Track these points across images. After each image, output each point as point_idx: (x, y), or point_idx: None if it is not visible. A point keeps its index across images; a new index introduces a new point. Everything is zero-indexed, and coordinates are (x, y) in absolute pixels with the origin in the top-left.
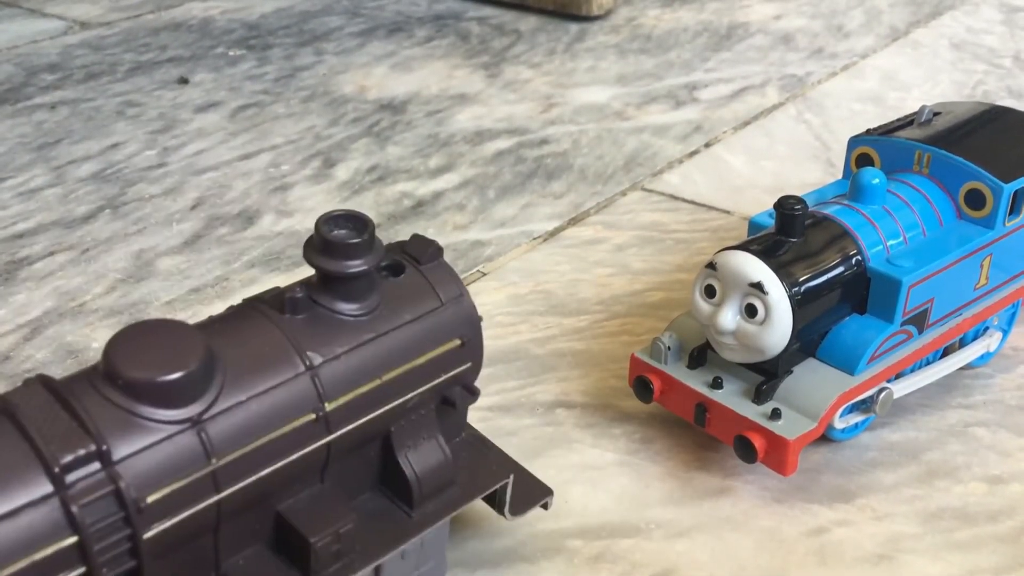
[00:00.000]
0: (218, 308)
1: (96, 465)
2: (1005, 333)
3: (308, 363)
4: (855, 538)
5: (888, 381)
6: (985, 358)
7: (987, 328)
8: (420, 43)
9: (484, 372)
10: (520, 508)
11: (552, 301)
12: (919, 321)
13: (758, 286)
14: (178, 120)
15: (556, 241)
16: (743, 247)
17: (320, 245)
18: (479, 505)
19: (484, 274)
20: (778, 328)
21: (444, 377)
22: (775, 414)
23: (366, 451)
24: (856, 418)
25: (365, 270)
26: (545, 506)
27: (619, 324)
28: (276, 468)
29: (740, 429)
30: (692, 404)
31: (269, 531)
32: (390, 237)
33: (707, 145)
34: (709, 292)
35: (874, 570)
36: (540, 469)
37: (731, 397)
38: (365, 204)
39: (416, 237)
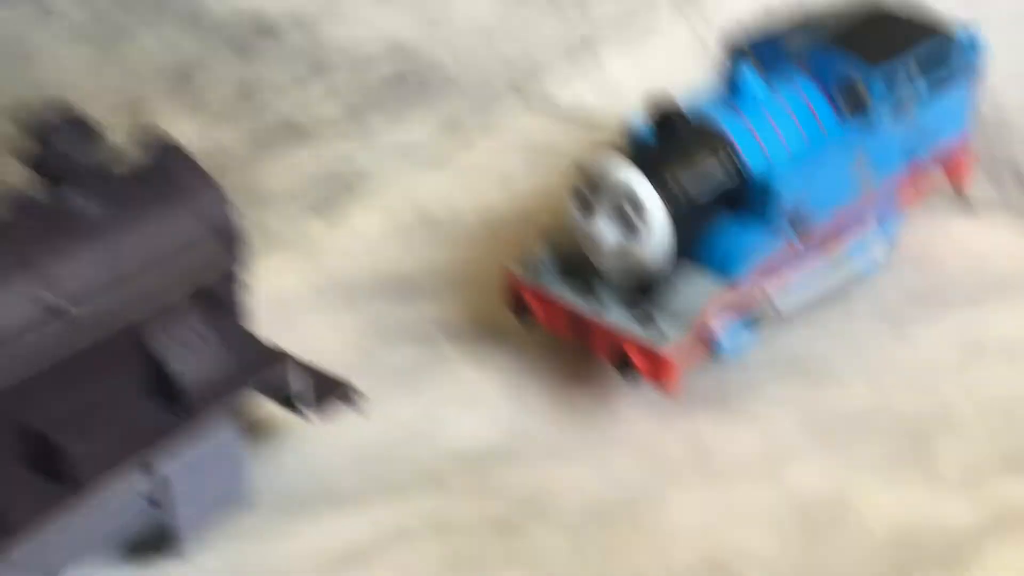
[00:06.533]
0: None
1: None
2: (889, 242)
3: (22, 257)
4: (737, 448)
5: (772, 292)
6: (872, 270)
7: (871, 238)
8: None
9: (359, 295)
10: (324, 407)
11: (431, 221)
12: (797, 224)
13: (632, 194)
14: None
15: (436, 160)
16: (616, 154)
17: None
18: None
19: (361, 197)
20: (655, 237)
21: (192, 267)
22: (652, 326)
23: (124, 357)
24: (742, 333)
25: (78, 158)
26: (349, 404)
27: (501, 244)
28: None
29: (618, 344)
30: (569, 320)
31: (18, 446)
32: (262, 163)
33: (590, 53)
34: (583, 203)
35: (758, 478)
36: (417, 395)
37: (609, 310)
38: (240, 128)
39: (152, 135)
